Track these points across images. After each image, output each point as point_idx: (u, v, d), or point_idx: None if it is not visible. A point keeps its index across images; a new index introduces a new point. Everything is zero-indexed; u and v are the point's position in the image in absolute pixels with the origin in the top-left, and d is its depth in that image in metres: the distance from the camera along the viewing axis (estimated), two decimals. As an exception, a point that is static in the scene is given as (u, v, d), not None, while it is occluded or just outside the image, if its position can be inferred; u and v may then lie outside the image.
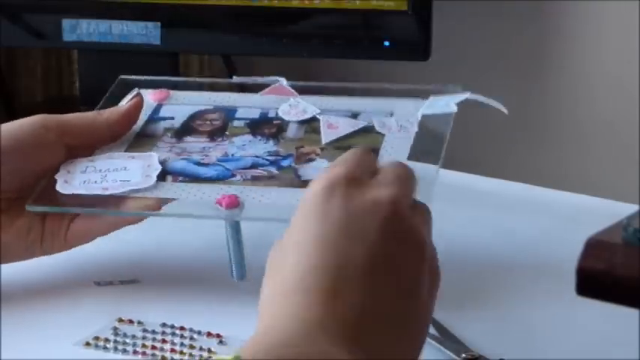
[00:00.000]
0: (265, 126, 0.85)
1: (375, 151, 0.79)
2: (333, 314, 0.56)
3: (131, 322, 0.76)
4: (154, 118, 0.86)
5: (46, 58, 1.52)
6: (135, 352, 0.73)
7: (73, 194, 0.78)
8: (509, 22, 1.76)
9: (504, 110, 0.83)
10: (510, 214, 0.95)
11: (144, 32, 1.28)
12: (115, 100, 0.87)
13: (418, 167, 0.69)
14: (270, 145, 0.82)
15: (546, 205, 0.99)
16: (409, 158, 0.78)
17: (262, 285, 0.60)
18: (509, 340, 0.75)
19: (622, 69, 1.71)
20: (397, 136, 0.81)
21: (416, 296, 0.59)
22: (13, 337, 0.74)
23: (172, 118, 0.86)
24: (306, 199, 0.61)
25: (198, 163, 0.81)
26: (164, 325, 0.75)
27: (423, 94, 0.84)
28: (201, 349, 0.73)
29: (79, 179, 0.79)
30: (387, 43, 1.23)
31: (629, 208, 0.61)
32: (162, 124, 0.86)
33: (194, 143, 0.83)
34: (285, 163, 0.80)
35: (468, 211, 0.94)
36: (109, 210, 0.78)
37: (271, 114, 0.85)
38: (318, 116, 0.84)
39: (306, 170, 0.79)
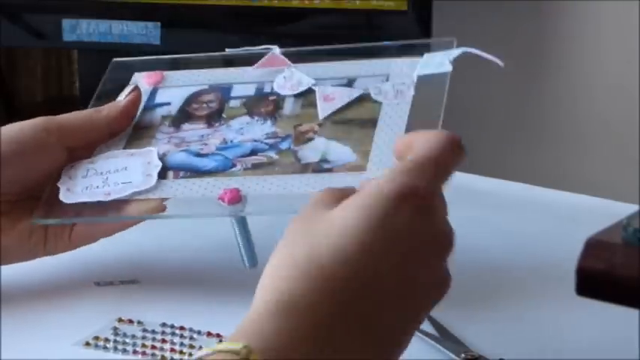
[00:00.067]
0: (262, 104, 0.84)
1: (373, 121, 0.79)
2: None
3: (131, 322, 0.76)
4: (150, 105, 0.86)
5: (46, 58, 1.52)
6: (135, 352, 0.73)
7: (76, 203, 0.78)
8: (509, 22, 1.76)
9: (500, 63, 0.83)
10: (510, 214, 0.95)
11: (144, 32, 1.28)
12: (111, 86, 0.86)
13: None
14: (268, 126, 0.82)
15: (546, 205, 0.99)
16: (408, 126, 0.77)
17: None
18: (509, 340, 0.75)
19: (621, 69, 1.72)
20: (394, 103, 0.80)
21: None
22: (13, 337, 0.74)
23: (169, 104, 0.85)
24: (372, 204, 0.59)
25: (198, 154, 0.80)
26: (164, 325, 0.75)
27: (418, 50, 0.83)
28: (201, 349, 0.73)
29: (81, 185, 0.79)
30: (387, 43, 1.23)
31: (629, 208, 0.61)
32: (159, 112, 0.85)
33: (192, 131, 0.83)
34: (283, 145, 0.80)
35: (468, 211, 0.94)
36: (113, 217, 0.78)
37: (267, 88, 0.85)
38: (313, 87, 0.83)
39: (305, 152, 0.79)
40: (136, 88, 0.85)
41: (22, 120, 0.80)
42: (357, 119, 0.80)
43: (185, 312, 0.77)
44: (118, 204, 0.78)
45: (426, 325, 0.73)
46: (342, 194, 0.63)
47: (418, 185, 0.61)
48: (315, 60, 0.86)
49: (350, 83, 0.83)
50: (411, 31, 1.24)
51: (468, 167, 1.03)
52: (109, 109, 0.83)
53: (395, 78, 0.82)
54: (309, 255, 0.59)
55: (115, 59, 0.90)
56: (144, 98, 0.86)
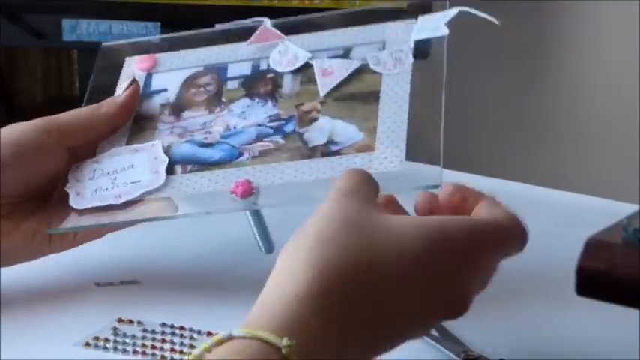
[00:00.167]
0: (260, 83, 0.83)
1: (375, 94, 0.78)
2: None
3: (131, 322, 0.76)
4: (147, 92, 0.85)
5: (46, 58, 1.52)
6: (135, 352, 0.73)
7: (87, 208, 0.78)
8: (509, 22, 1.76)
9: (496, 22, 0.83)
10: (510, 214, 0.95)
11: (144, 32, 1.28)
12: (104, 74, 0.86)
13: (422, 170, 0.70)
14: (270, 108, 0.81)
15: (546, 205, 0.99)
16: (410, 101, 0.77)
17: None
18: (509, 340, 0.75)
19: (621, 69, 1.72)
20: (394, 73, 0.79)
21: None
22: (14, 337, 0.74)
23: (165, 90, 0.85)
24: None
25: (203, 144, 0.80)
26: (164, 325, 0.75)
27: (410, 12, 0.82)
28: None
29: (90, 188, 0.78)
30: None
31: (629, 208, 0.61)
32: (157, 100, 0.84)
33: (193, 119, 0.82)
34: (288, 128, 0.79)
35: (468, 211, 0.94)
36: (127, 221, 0.77)
37: (263, 66, 0.84)
38: (310, 61, 0.82)
39: (311, 134, 0.78)
40: (134, 81, 0.84)
41: (22, 120, 0.80)
42: (359, 93, 0.79)
43: (185, 312, 0.77)
44: (130, 205, 0.77)
45: (426, 325, 0.73)
46: (368, 182, 0.67)
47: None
48: (307, 30, 0.84)
49: (346, 54, 0.82)
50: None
51: (468, 167, 1.03)
52: (108, 106, 0.82)
53: (392, 45, 0.81)
54: (369, 264, 0.61)
55: (104, 44, 0.89)
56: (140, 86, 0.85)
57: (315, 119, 0.79)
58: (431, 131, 0.75)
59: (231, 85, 0.84)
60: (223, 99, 0.83)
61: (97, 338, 0.74)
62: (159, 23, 1.26)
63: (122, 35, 1.28)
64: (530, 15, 1.75)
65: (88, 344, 0.73)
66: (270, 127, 0.79)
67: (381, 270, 0.61)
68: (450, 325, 0.74)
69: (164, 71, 0.86)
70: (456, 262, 0.63)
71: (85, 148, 0.81)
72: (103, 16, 1.26)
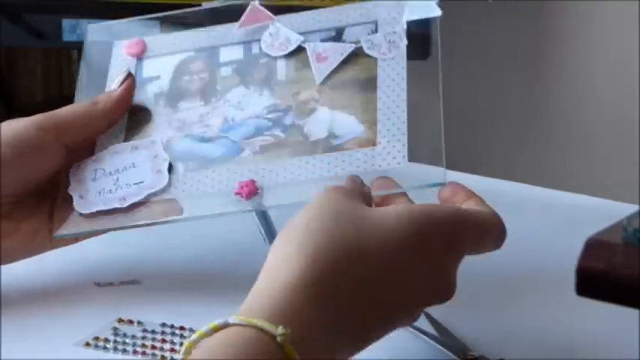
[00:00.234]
0: (254, 70, 0.82)
1: (372, 80, 0.78)
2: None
3: (131, 322, 0.76)
4: (139, 79, 0.84)
5: (46, 58, 1.52)
6: (135, 352, 0.73)
7: (93, 212, 0.77)
8: (510, 22, 1.76)
9: None
10: (510, 214, 0.95)
11: (144, 32, 1.28)
12: (92, 53, 0.85)
13: (425, 170, 0.70)
14: (267, 97, 0.80)
15: (546, 205, 0.99)
16: (410, 101, 0.77)
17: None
18: (509, 340, 0.75)
19: (622, 69, 1.72)
20: (389, 58, 0.79)
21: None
22: (14, 337, 0.74)
23: (158, 78, 0.84)
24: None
25: (202, 139, 0.79)
26: (164, 325, 0.75)
27: None
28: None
29: (93, 190, 0.78)
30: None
31: (629, 208, 0.61)
32: (151, 89, 0.83)
33: (190, 110, 0.81)
34: (287, 120, 0.78)
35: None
36: (133, 224, 0.77)
37: (255, 49, 0.83)
38: (303, 45, 0.81)
39: (311, 126, 0.77)
40: (129, 75, 0.83)
41: (22, 120, 0.80)
42: (356, 80, 0.79)
43: (185, 312, 0.77)
44: (135, 207, 0.77)
45: (426, 325, 0.73)
46: (359, 188, 0.70)
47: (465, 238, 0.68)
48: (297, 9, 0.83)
49: (339, 35, 0.81)
50: (411, 31, 1.24)
51: (468, 167, 1.03)
52: (104, 102, 0.81)
53: (384, 26, 0.80)
54: (361, 251, 0.62)
55: (90, 25, 0.88)
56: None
57: (313, 110, 0.79)
58: (432, 131, 0.75)
59: (225, 71, 0.83)
60: (218, 87, 0.82)
61: (97, 338, 0.74)
62: (159, 23, 1.26)
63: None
64: (531, 15, 1.75)
65: (88, 344, 0.73)
66: (269, 119, 0.79)
67: (372, 256, 0.62)
68: (450, 325, 0.74)
69: (154, 57, 0.85)
70: (443, 246, 0.65)
71: (82, 144, 0.81)
72: (103, 16, 1.26)
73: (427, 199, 0.70)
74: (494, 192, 0.90)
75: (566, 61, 1.76)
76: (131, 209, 0.77)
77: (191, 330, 0.75)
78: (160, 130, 0.81)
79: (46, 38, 1.30)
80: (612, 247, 0.56)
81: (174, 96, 0.83)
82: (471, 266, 0.84)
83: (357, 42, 0.80)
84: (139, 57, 0.85)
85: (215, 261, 0.86)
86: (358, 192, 0.69)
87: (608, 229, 0.57)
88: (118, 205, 0.77)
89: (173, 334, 0.74)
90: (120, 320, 0.76)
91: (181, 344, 0.73)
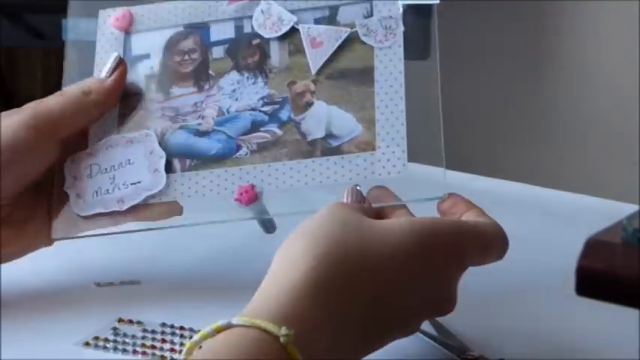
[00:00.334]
0: (246, 52, 0.80)
1: (368, 71, 0.77)
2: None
3: (131, 322, 0.76)
4: (129, 57, 0.81)
5: (46, 58, 1.52)
6: (135, 352, 0.73)
7: (91, 215, 0.77)
8: (510, 22, 1.76)
9: None
10: (509, 214, 0.95)
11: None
12: (78, 26, 0.84)
13: (425, 171, 0.71)
14: (261, 87, 0.79)
15: (546, 205, 0.99)
16: (410, 101, 0.76)
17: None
18: (509, 340, 0.75)
19: (622, 69, 1.72)
20: (386, 47, 0.78)
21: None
22: (14, 336, 0.74)
23: (148, 57, 0.82)
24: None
25: (198, 132, 0.78)
26: (164, 325, 0.75)
27: None
28: (201, 348, 0.73)
29: (90, 189, 0.77)
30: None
31: (629, 208, 0.61)
32: (141, 69, 0.81)
33: (183, 98, 0.80)
34: (283, 115, 0.78)
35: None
36: (135, 229, 0.77)
37: (247, 28, 0.81)
38: (296, 26, 0.80)
39: (308, 124, 0.77)
40: (121, 62, 0.80)
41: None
42: (352, 70, 0.78)
43: (185, 312, 0.77)
44: (134, 209, 0.77)
45: (426, 325, 0.73)
46: (363, 207, 0.70)
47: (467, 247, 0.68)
48: None
49: (333, 15, 0.80)
50: (411, 31, 1.24)
51: (467, 167, 1.03)
52: (97, 93, 0.79)
53: (380, 8, 0.79)
54: (365, 257, 0.63)
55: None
56: (120, 50, 0.82)
57: (309, 103, 0.78)
58: (432, 131, 0.75)
59: (217, 52, 0.81)
60: (211, 72, 0.81)
61: (97, 338, 0.74)
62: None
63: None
64: (530, 15, 1.75)
65: (88, 344, 0.73)
66: (265, 113, 0.78)
67: (377, 262, 0.63)
68: (450, 325, 0.74)
69: (143, 31, 0.83)
70: (444, 258, 0.66)
71: (75, 135, 0.79)
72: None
73: (426, 207, 0.71)
74: (494, 192, 0.90)
75: (566, 61, 1.76)
76: (130, 212, 0.77)
77: (191, 330, 0.75)
78: (154, 120, 0.80)
79: (46, 38, 1.30)
80: (612, 247, 0.56)
81: (166, 79, 0.81)
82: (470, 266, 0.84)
83: (352, 25, 0.79)
84: (127, 31, 0.83)
85: (215, 261, 0.86)
86: (360, 208, 0.70)
87: (607, 229, 0.57)
88: (116, 208, 0.77)
89: (173, 334, 0.74)
90: (120, 320, 0.76)
91: (181, 344, 0.73)
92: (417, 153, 0.76)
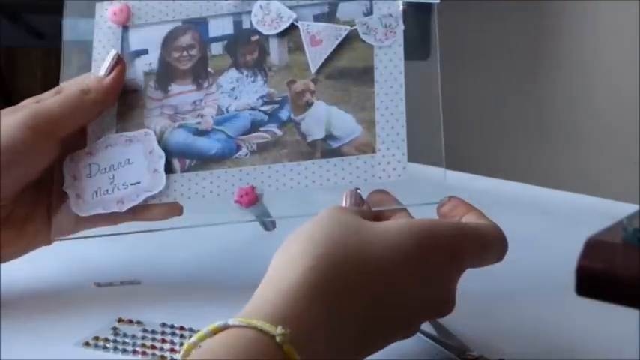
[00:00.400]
0: (245, 49, 0.80)
1: (368, 71, 0.77)
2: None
3: (131, 322, 0.76)
4: (127, 53, 0.81)
5: (46, 58, 1.52)
6: (135, 352, 0.73)
7: (91, 216, 0.77)
8: (510, 22, 1.76)
9: None
10: (509, 213, 0.95)
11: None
12: (77, 26, 0.84)
13: (425, 171, 0.71)
14: (260, 85, 0.79)
15: (546, 205, 0.99)
16: (409, 101, 0.76)
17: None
18: (509, 340, 0.75)
19: (621, 69, 1.72)
20: (386, 46, 0.77)
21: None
22: (14, 337, 0.74)
23: (146, 52, 0.81)
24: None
25: (197, 131, 0.78)
26: (164, 325, 0.75)
27: None
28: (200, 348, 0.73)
29: (90, 189, 0.77)
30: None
31: (629, 208, 0.61)
32: (140, 66, 0.81)
33: (182, 95, 0.80)
34: (283, 114, 0.77)
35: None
36: (135, 230, 0.77)
37: (245, 23, 0.81)
38: (295, 23, 0.79)
39: (308, 123, 0.77)
40: (120, 60, 0.80)
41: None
42: (352, 69, 0.78)
43: (185, 312, 0.77)
44: (134, 210, 0.77)
45: (426, 325, 0.73)
46: (363, 211, 0.70)
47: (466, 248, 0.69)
48: None
49: (332, 12, 0.80)
50: (411, 31, 1.24)
51: (467, 167, 1.03)
52: (96, 91, 0.79)
53: (380, 6, 0.79)
54: (364, 258, 0.63)
55: None
56: (117, 45, 0.81)
57: (309, 103, 0.78)
58: (432, 131, 0.75)
59: (215, 49, 0.81)
60: (210, 69, 0.80)
61: (97, 338, 0.74)
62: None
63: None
64: (531, 15, 1.75)
65: (88, 344, 0.73)
66: (265, 112, 0.78)
67: (375, 264, 0.63)
68: (450, 325, 0.74)
69: (141, 26, 0.82)
70: (443, 260, 0.66)
71: (73, 133, 0.79)
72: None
73: (426, 209, 0.71)
74: (493, 192, 0.90)
75: (566, 61, 1.76)
76: (130, 212, 0.77)
77: (191, 330, 0.75)
78: (153, 118, 0.79)
79: (46, 38, 1.30)
80: (612, 247, 0.56)
81: (165, 76, 0.81)
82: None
83: (352, 22, 0.79)
84: (125, 25, 0.83)
85: (215, 261, 0.86)
86: (359, 211, 0.70)
87: (607, 229, 0.57)
88: (116, 210, 0.77)
89: (173, 334, 0.74)
90: (120, 320, 0.76)
91: (181, 344, 0.73)
92: (417, 153, 0.76)
